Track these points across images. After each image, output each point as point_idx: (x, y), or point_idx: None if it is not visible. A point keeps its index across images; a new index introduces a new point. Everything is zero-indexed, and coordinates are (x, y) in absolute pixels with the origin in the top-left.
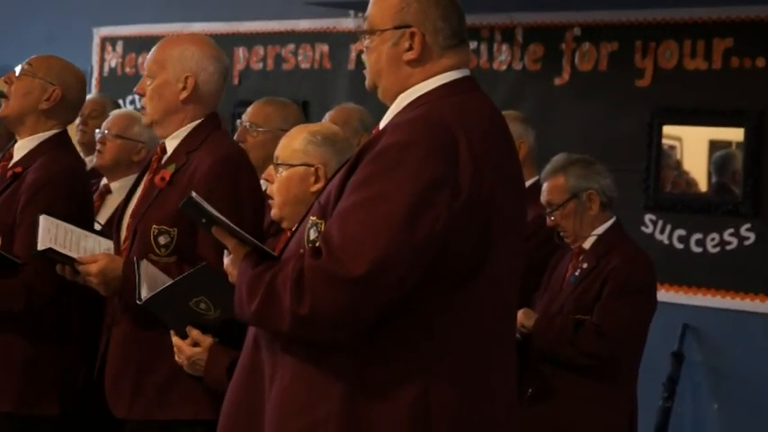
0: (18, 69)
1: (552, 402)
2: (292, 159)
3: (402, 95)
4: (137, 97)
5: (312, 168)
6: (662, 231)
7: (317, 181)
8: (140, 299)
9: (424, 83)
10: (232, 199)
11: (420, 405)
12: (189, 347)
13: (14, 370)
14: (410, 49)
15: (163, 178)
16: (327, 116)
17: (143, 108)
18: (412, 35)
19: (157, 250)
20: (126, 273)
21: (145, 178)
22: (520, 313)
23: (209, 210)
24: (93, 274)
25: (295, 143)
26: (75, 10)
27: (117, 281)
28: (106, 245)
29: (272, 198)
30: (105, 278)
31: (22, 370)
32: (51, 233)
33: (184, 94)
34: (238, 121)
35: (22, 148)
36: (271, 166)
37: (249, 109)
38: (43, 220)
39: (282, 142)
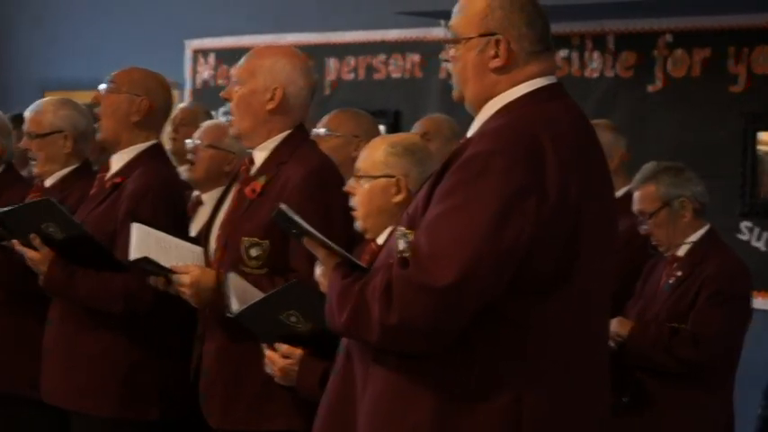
0: (103, 87)
1: (648, 410)
2: (373, 171)
3: (488, 104)
4: (229, 108)
5: (393, 179)
6: (758, 238)
7: (398, 192)
8: (231, 312)
9: (511, 90)
10: (323, 210)
11: (511, 413)
12: (280, 358)
13: (117, 376)
14: (496, 56)
15: (254, 190)
16: (418, 125)
17: (230, 115)
18: (497, 42)
19: (249, 262)
20: (219, 285)
21: (234, 190)
22: (614, 322)
23: (299, 221)
24: (185, 285)
25: (376, 155)
26: (168, 23)
27: (209, 293)
28: (199, 252)
29: (354, 210)
30: (197, 290)
31: (124, 375)
32: (144, 242)
33: (271, 105)
34: (314, 129)
35: (119, 159)
36: (352, 179)
37: (324, 117)
38: (136, 228)
39: (363, 154)
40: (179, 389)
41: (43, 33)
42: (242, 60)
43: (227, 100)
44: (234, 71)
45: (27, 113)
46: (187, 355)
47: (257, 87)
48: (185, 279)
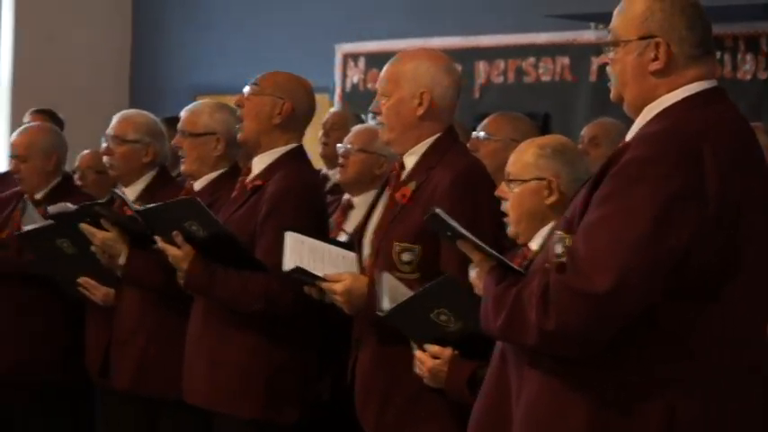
0: (247, 90)
1: None
2: (524, 174)
3: (647, 107)
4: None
5: (544, 181)
6: None
7: (550, 194)
8: (381, 310)
9: (670, 94)
10: (471, 214)
11: (665, 420)
12: (430, 359)
13: (261, 377)
14: (655, 59)
15: (404, 195)
16: (587, 129)
17: (381, 125)
18: (657, 45)
19: (401, 267)
20: (370, 292)
21: (386, 194)
22: None
23: (454, 224)
24: (338, 293)
25: (525, 157)
26: (317, 27)
27: (361, 299)
28: (350, 258)
29: (506, 214)
30: (350, 297)
31: (267, 377)
32: (297, 251)
33: (421, 111)
34: (473, 133)
35: (260, 162)
36: (503, 183)
37: (483, 121)
38: (289, 237)
39: (512, 158)
40: (318, 391)
41: (195, 38)
42: (383, 71)
43: (375, 113)
44: (378, 84)
45: (183, 112)
46: (337, 357)
47: (404, 95)
48: (338, 287)
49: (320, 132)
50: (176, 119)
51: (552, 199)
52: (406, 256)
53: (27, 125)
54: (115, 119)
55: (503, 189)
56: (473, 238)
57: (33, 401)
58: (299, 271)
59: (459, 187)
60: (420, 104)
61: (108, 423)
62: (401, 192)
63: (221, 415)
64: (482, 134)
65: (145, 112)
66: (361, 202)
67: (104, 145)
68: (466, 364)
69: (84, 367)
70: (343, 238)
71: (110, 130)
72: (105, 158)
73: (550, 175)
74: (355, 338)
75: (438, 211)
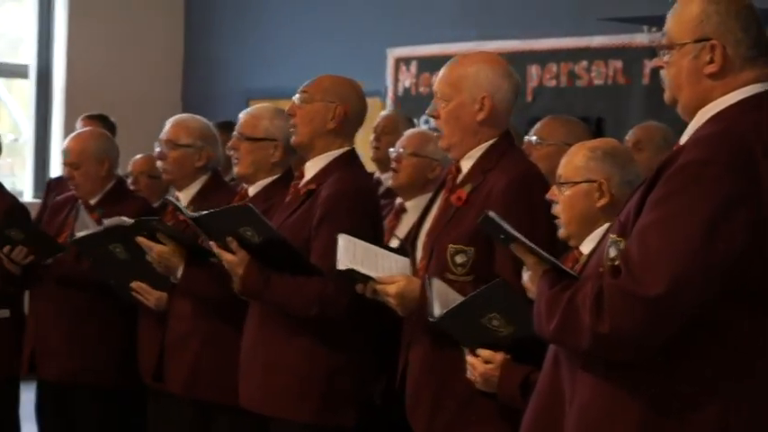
0: (296, 99)
1: None
2: (575, 177)
3: (702, 110)
4: (436, 124)
5: (595, 184)
6: None
7: (601, 196)
8: (433, 316)
9: (725, 97)
10: (528, 217)
11: (719, 426)
12: (481, 364)
13: (317, 381)
14: (711, 62)
15: (459, 198)
16: (630, 134)
17: (437, 131)
18: (712, 48)
19: (454, 269)
20: (423, 294)
21: (440, 197)
22: None
23: (507, 227)
24: (391, 295)
25: (576, 160)
26: (369, 31)
27: (414, 302)
28: (402, 262)
29: (557, 217)
30: (403, 299)
31: (323, 380)
32: (350, 252)
33: (482, 115)
34: (526, 138)
35: (313, 166)
36: (554, 186)
37: (536, 125)
38: (342, 239)
39: (563, 161)
40: (380, 394)
41: (248, 43)
42: (441, 75)
43: (433, 118)
44: (436, 87)
45: (242, 115)
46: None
47: (464, 100)
48: (391, 289)
49: (371, 136)
50: (229, 123)
51: (603, 201)
52: (459, 258)
53: (78, 131)
54: (168, 123)
55: (554, 192)
56: (526, 241)
57: (89, 404)
58: (352, 272)
59: (514, 191)
60: (480, 109)
61: (162, 427)
62: (457, 194)
63: (278, 420)
64: (534, 138)
65: (198, 117)
66: (413, 206)
67: (157, 149)
68: (518, 368)
69: (138, 371)
70: (394, 244)
71: (163, 135)
72: (158, 163)
73: (601, 177)
74: (406, 342)
75: (491, 213)
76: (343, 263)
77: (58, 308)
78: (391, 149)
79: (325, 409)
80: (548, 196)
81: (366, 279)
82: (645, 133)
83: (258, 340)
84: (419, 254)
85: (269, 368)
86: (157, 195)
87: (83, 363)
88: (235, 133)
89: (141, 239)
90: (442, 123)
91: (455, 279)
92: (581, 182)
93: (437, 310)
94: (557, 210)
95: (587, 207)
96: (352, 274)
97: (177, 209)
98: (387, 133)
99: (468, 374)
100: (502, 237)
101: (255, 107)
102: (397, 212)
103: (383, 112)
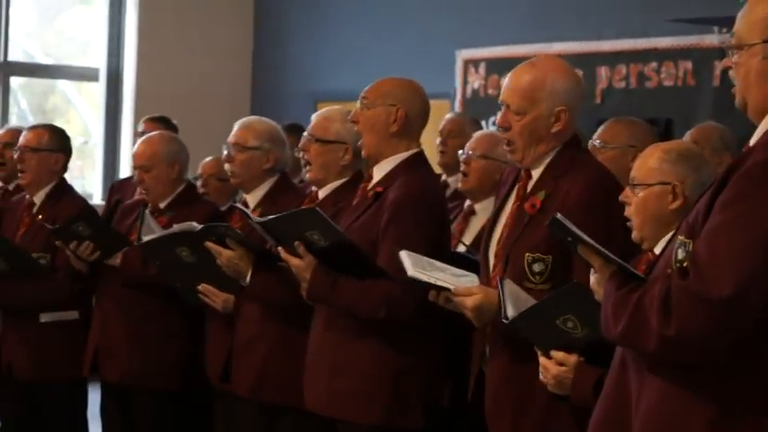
0: (357, 106)
1: None
2: (648, 179)
3: None
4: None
5: (669, 186)
6: None
7: (674, 199)
8: (506, 318)
9: None
10: (604, 222)
11: None
12: (555, 366)
13: (384, 383)
14: None
15: (533, 205)
16: (688, 135)
17: (510, 143)
18: None
19: (532, 278)
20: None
21: (511, 205)
22: None
23: (574, 229)
24: (468, 308)
25: (650, 162)
26: (438, 33)
27: (491, 313)
28: (466, 279)
29: (629, 219)
30: (480, 312)
31: (390, 382)
32: (418, 263)
33: (558, 127)
34: (590, 142)
35: (381, 169)
36: (627, 188)
37: (599, 128)
38: (404, 255)
39: (637, 162)
40: (447, 399)
41: (316, 45)
42: (512, 85)
43: (503, 128)
44: (507, 98)
45: (314, 117)
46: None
47: (541, 114)
48: (468, 302)
49: (437, 139)
50: (296, 126)
51: (676, 204)
52: (537, 267)
53: (149, 135)
54: (236, 126)
55: (627, 194)
56: (594, 244)
57: (150, 407)
58: (424, 284)
59: (590, 196)
60: (557, 121)
61: (229, 428)
62: (530, 202)
63: (344, 422)
64: (598, 142)
65: (265, 119)
66: (482, 208)
67: (225, 152)
68: (592, 370)
69: (204, 373)
70: (461, 250)
71: (230, 138)
72: (226, 166)
73: (675, 179)
74: (478, 353)
75: (559, 216)
76: (412, 272)
77: (122, 310)
78: (460, 152)
79: (391, 411)
80: (621, 198)
81: (439, 289)
82: (701, 134)
83: (324, 342)
84: (491, 262)
85: (335, 370)
86: (226, 198)
87: (144, 365)
88: (305, 135)
89: (210, 244)
90: (515, 136)
91: (532, 287)
92: (654, 184)
93: (510, 312)
94: (629, 212)
95: (660, 209)
96: (424, 285)
97: (244, 215)
98: (453, 137)
99: (541, 377)
100: (569, 239)
101: (327, 109)
102: (466, 215)
103: (448, 115)
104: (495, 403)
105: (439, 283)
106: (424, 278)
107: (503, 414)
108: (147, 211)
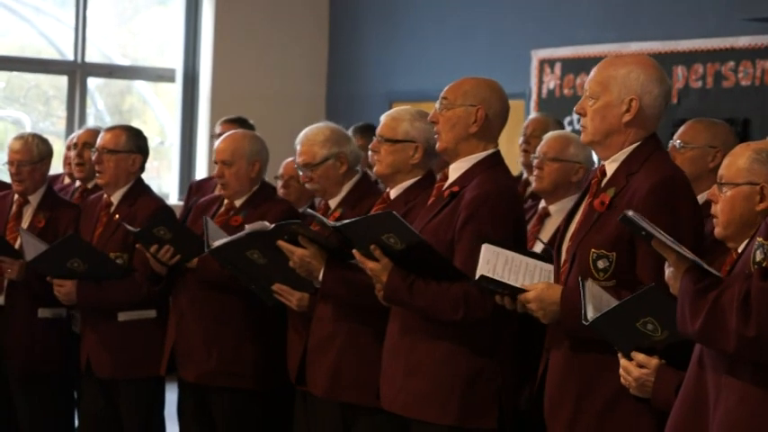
0: (437, 106)
1: None
2: (737, 178)
3: None
4: (575, 118)
5: (757, 187)
6: None
7: (762, 200)
8: (586, 319)
9: None
10: (672, 222)
11: None
12: (636, 369)
13: (458, 383)
14: None
15: (602, 202)
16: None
17: (583, 128)
18: None
19: (596, 274)
20: (564, 300)
21: (584, 202)
22: None
23: (647, 225)
24: (530, 302)
25: (739, 162)
26: (513, 33)
27: (555, 307)
28: (547, 268)
29: (715, 217)
30: (543, 305)
31: (465, 383)
32: (491, 263)
33: (628, 117)
34: (670, 142)
35: (457, 168)
36: (714, 186)
37: (679, 129)
38: (485, 248)
39: (726, 161)
40: (516, 399)
41: (391, 46)
42: (592, 73)
43: (580, 114)
44: (586, 84)
45: (383, 117)
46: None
47: (612, 100)
48: (530, 295)
49: (520, 139)
50: (369, 126)
51: (763, 205)
52: (601, 263)
53: (234, 131)
54: (298, 146)
55: (713, 192)
56: (668, 238)
57: (227, 406)
58: (486, 280)
59: (657, 196)
60: (627, 111)
61: (308, 428)
62: (600, 199)
63: (419, 422)
64: (678, 142)
65: (318, 125)
66: (557, 209)
67: (301, 174)
68: (674, 373)
69: (280, 372)
70: (538, 247)
71: (298, 160)
72: (308, 185)
73: (764, 180)
74: (546, 347)
75: (630, 213)
76: (480, 271)
77: (199, 310)
78: (533, 155)
79: (467, 412)
80: (708, 196)
81: (503, 287)
82: None
83: (400, 343)
84: (562, 258)
85: (411, 371)
86: (306, 200)
87: (220, 364)
88: (376, 135)
89: (282, 243)
90: (588, 120)
91: (598, 284)
92: (742, 184)
93: (590, 313)
94: (715, 210)
95: (747, 209)
96: (489, 283)
97: (319, 221)
98: (537, 136)
99: (622, 380)
100: (643, 234)
101: (396, 109)
102: (541, 216)
103: (532, 115)
104: (556, 396)
105: (497, 278)
106: (494, 276)
107: (562, 409)
108: (207, 217)
